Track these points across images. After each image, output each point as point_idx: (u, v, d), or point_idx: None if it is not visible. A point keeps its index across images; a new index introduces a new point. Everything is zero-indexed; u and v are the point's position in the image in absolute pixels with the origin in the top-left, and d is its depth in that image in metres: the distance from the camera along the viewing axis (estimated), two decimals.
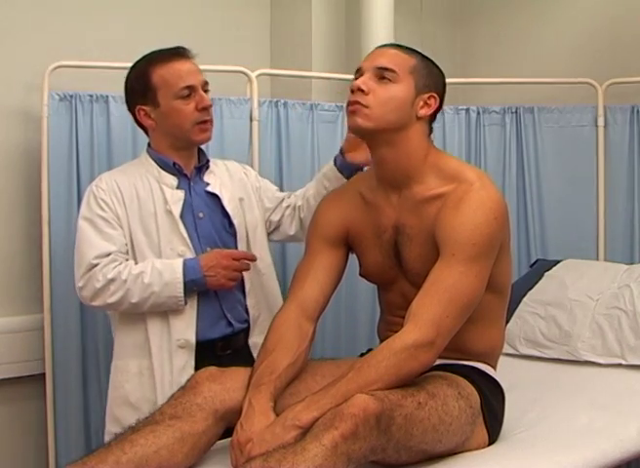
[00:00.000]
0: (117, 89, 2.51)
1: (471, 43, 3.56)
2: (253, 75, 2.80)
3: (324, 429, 1.50)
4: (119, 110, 2.62)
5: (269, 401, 1.74)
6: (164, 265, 2.05)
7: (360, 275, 2.04)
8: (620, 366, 2.42)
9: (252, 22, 3.21)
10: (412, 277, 1.88)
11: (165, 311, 2.08)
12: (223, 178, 2.22)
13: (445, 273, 1.74)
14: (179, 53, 2.09)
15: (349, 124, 1.86)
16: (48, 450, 2.60)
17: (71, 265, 2.55)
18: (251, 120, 2.81)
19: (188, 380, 1.82)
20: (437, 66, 1.91)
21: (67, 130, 2.58)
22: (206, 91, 2.11)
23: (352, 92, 1.84)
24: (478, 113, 3.16)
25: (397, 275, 1.93)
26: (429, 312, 1.71)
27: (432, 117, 1.90)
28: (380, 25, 3.09)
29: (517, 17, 3.42)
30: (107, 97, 2.62)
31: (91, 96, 2.60)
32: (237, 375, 1.82)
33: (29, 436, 2.73)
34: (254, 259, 2.16)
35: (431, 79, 1.87)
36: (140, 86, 2.08)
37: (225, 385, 1.78)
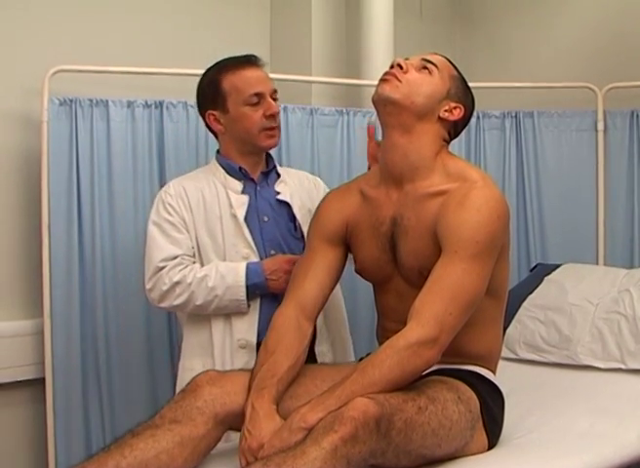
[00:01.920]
0: (117, 93, 2.53)
1: (471, 47, 3.57)
2: None
3: (324, 432, 1.50)
4: (119, 115, 2.63)
5: (272, 404, 1.74)
6: (227, 269, 2.10)
7: (355, 271, 2.03)
8: (619, 370, 2.41)
9: (252, 27, 3.22)
10: (406, 272, 1.89)
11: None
12: (294, 188, 2.26)
13: (448, 270, 1.75)
14: (249, 60, 2.15)
15: (377, 91, 1.88)
16: (48, 455, 2.59)
17: (70, 270, 2.59)
18: None
19: (188, 384, 1.81)
20: (473, 96, 1.97)
21: (67, 134, 2.58)
22: (275, 99, 2.17)
23: (391, 67, 1.88)
24: (478, 118, 3.16)
25: (392, 271, 1.93)
26: (432, 309, 1.71)
27: (453, 128, 1.93)
28: (381, 29, 3.10)
29: (517, 21, 3.43)
30: (107, 101, 2.61)
31: (91, 100, 2.60)
32: (237, 378, 1.82)
33: (29, 440, 2.73)
34: None
35: (464, 96, 1.93)
36: (211, 92, 2.14)
37: (226, 388, 1.78)
